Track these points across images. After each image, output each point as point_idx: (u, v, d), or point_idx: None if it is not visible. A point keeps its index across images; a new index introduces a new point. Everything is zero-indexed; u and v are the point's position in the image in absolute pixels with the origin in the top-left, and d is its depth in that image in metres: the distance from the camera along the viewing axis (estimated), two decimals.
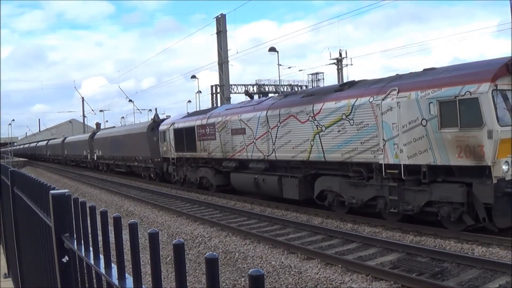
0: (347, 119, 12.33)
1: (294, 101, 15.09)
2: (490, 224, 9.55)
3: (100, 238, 1.74)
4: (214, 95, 50.34)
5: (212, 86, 51.72)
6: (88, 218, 1.85)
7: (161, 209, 16.95)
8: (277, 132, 15.19)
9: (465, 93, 9.54)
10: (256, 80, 56.48)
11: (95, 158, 39.53)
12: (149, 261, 1.36)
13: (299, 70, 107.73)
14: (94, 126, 68.36)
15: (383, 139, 11.29)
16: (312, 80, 59.06)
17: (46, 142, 68.53)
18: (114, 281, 1.52)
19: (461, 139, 9.62)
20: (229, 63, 39.39)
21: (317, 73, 58.89)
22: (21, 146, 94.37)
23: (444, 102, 9.92)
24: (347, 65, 46.72)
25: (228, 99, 39.63)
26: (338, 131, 12.64)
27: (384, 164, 11.27)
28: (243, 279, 8.70)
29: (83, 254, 1.90)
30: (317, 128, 13.42)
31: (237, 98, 61.21)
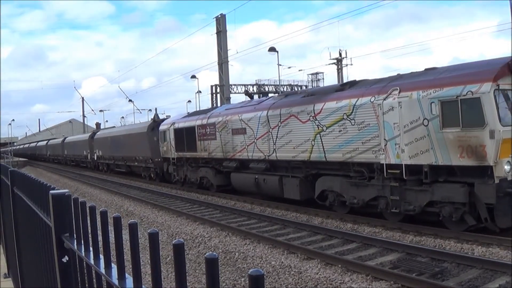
0: (348, 119, 12.30)
1: (295, 101, 15.07)
2: (491, 224, 9.53)
3: (100, 238, 1.73)
4: (214, 95, 50.38)
5: (212, 86, 51.80)
6: (88, 218, 1.85)
7: (161, 209, 16.94)
8: (277, 132, 15.17)
9: (467, 93, 9.52)
10: (256, 80, 56.63)
11: (95, 158, 39.54)
12: (149, 261, 1.35)
13: (299, 70, 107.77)
14: (94, 126, 68.33)
15: (385, 139, 11.27)
16: (312, 80, 59.14)
17: (46, 142, 68.54)
18: (114, 281, 1.51)
19: (463, 139, 9.59)
20: (229, 63, 39.42)
21: (317, 73, 58.99)
22: (21, 146, 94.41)
23: (446, 102, 9.89)
24: (347, 65, 46.85)
25: (228, 99, 39.62)
26: (339, 131, 12.62)
27: (386, 164, 11.24)
28: (243, 279, 8.69)
29: (83, 254, 1.89)
30: (318, 128, 13.39)
31: (237, 98, 61.39)
